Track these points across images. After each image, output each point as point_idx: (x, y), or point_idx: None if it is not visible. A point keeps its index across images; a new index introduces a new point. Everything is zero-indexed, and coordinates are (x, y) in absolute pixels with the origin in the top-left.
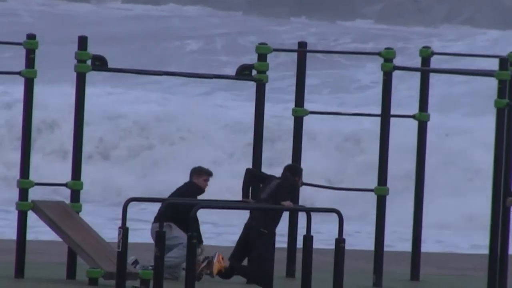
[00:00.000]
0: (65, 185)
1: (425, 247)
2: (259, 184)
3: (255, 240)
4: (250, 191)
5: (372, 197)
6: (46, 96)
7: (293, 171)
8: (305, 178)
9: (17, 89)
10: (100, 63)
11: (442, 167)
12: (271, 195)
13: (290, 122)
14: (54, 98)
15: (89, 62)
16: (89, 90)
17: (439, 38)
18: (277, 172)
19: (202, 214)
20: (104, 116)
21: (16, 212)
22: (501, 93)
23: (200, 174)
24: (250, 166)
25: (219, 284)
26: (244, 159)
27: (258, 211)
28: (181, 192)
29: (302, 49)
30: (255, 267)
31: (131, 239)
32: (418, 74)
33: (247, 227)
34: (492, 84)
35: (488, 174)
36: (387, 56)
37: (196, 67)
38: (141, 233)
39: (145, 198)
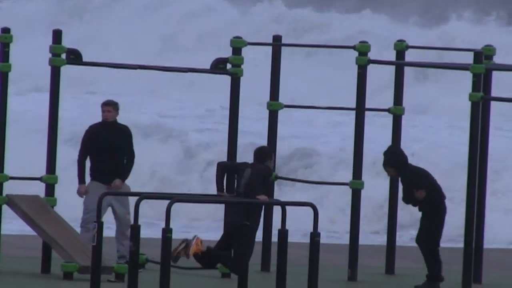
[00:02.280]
0: (40, 179)
1: (401, 242)
2: (233, 175)
3: (237, 231)
4: (224, 185)
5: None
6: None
7: (262, 157)
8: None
9: None
10: (74, 57)
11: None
12: (246, 187)
13: None
14: None
15: (63, 56)
16: None
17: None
18: None
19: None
20: None
21: None
22: (475, 86)
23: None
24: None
25: (194, 277)
26: None
27: (238, 206)
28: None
29: (277, 43)
30: (233, 256)
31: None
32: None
33: (229, 224)
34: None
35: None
36: (362, 50)
37: None
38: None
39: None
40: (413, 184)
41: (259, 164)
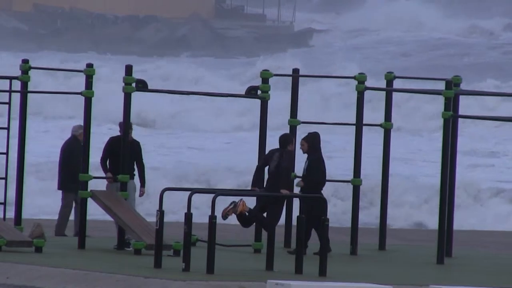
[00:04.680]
0: (116, 178)
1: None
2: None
3: (271, 202)
4: (259, 182)
5: None
6: None
7: (284, 142)
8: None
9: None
10: (142, 85)
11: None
12: (276, 167)
13: None
14: None
15: (133, 84)
16: None
17: None
18: None
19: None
20: None
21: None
22: (446, 107)
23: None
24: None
25: (232, 252)
26: None
27: (273, 185)
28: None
29: (296, 74)
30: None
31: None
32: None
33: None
34: None
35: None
36: (360, 79)
37: None
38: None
39: (178, 188)
40: (314, 165)
41: (282, 148)
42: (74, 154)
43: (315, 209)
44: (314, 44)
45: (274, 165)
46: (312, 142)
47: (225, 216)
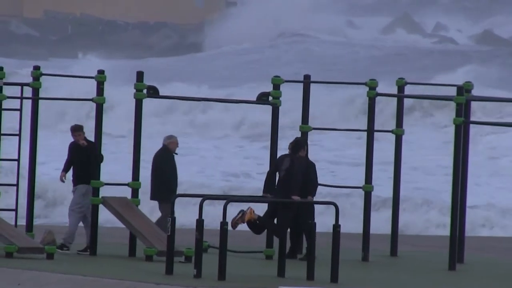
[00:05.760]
0: (127, 184)
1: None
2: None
3: (280, 208)
4: (270, 188)
5: None
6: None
7: (296, 148)
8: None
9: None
10: (153, 91)
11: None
12: (285, 172)
13: None
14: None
15: (144, 91)
16: None
17: None
18: None
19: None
20: None
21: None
22: (458, 113)
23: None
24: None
25: (244, 259)
26: None
27: (283, 187)
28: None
29: (307, 80)
30: (277, 225)
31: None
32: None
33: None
34: None
35: None
36: (371, 85)
37: None
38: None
39: (190, 194)
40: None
41: (293, 154)
42: (164, 164)
43: (307, 214)
44: None
45: (284, 171)
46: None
47: (234, 225)
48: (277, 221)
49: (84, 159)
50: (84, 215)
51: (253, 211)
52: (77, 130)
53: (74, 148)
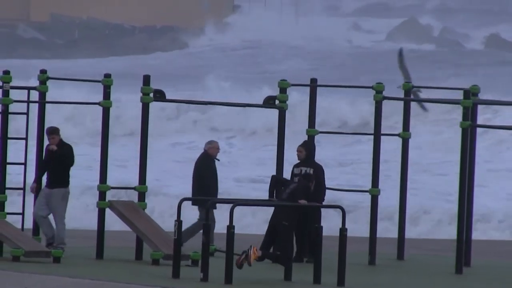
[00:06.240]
0: (134, 188)
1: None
2: (281, 187)
3: (279, 230)
4: (274, 193)
5: None
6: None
7: (307, 178)
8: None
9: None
10: (160, 95)
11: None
12: (290, 195)
13: None
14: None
15: (151, 94)
16: None
17: None
18: None
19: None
20: None
21: (97, 209)
22: (465, 116)
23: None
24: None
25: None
26: None
27: (280, 208)
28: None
29: (313, 84)
30: (279, 252)
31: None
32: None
33: (272, 221)
34: None
35: None
36: (378, 89)
37: None
38: None
39: (197, 198)
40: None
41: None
42: (204, 170)
43: (314, 218)
44: None
45: (287, 193)
46: (310, 149)
47: (239, 266)
48: (279, 241)
49: (57, 163)
50: (48, 214)
51: (256, 250)
52: (51, 133)
53: (49, 151)
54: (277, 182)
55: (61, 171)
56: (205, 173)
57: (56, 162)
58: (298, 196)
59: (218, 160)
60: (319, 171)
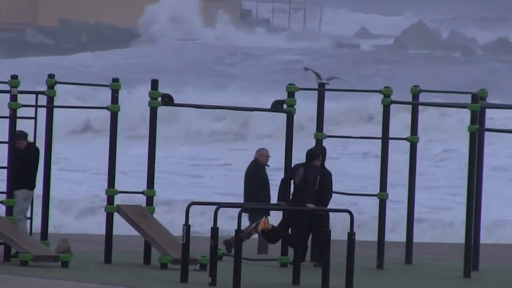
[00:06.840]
0: (142, 193)
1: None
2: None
3: (294, 217)
4: (284, 195)
5: None
6: None
7: (311, 157)
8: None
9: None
10: (167, 100)
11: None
12: (300, 181)
13: None
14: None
15: (159, 99)
16: None
17: None
18: None
19: None
20: None
21: (105, 213)
22: (473, 120)
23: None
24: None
25: (258, 267)
26: None
27: (297, 195)
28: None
29: (321, 88)
30: (291, 234)
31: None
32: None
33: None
34: None
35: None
36: (386, 93)
37: None
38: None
39: (205, 202)
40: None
41: (308, 163)
42: (254, 177)
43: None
44: None
45: (299, 179)
46: (323, 154)
47: (247, 235)
48: (291, 230)
49: (23, 164)
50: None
51: (267, 221)
52: (18, 138)
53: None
54: (288, 182)
55: (28, 172)
56: (254, 181)
57: (24, 163)
58: (309, 178)
59: (268, 166)
60: (328, 176)
